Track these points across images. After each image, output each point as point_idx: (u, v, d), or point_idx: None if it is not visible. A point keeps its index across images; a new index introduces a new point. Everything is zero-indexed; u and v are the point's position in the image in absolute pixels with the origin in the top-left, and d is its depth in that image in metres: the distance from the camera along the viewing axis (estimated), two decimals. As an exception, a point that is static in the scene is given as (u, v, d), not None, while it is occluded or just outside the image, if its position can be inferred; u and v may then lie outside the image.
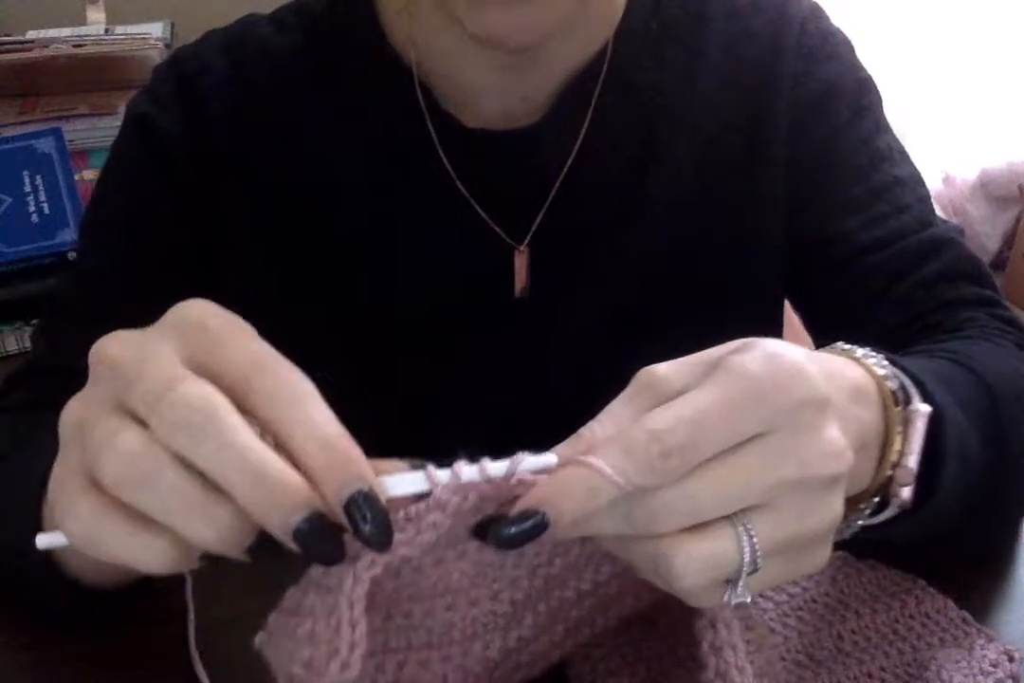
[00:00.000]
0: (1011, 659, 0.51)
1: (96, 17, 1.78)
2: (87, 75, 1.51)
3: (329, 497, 0.35)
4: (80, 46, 1.54)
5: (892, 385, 0.46)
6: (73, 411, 0.39)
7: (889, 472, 0.45)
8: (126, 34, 1.64)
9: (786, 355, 0.39)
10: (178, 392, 0.36)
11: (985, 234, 2.50)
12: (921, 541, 0.51)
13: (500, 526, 0.37)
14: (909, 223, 0.70)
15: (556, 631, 0.46)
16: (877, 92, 0.75)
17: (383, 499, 0.36)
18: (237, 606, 0.57)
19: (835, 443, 0.38)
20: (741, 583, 0.37)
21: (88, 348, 0.72)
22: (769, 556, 0.38)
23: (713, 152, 0.71)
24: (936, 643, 0.52)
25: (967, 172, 2.51)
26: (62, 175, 1.37)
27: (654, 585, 0.47)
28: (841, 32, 0.76)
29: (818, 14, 0.75)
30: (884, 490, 0.46)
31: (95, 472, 0.37)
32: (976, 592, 0.57)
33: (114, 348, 0.39)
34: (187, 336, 0.38)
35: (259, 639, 0.40)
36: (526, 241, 0.70)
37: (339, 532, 0.36)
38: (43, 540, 0.40)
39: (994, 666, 0.51)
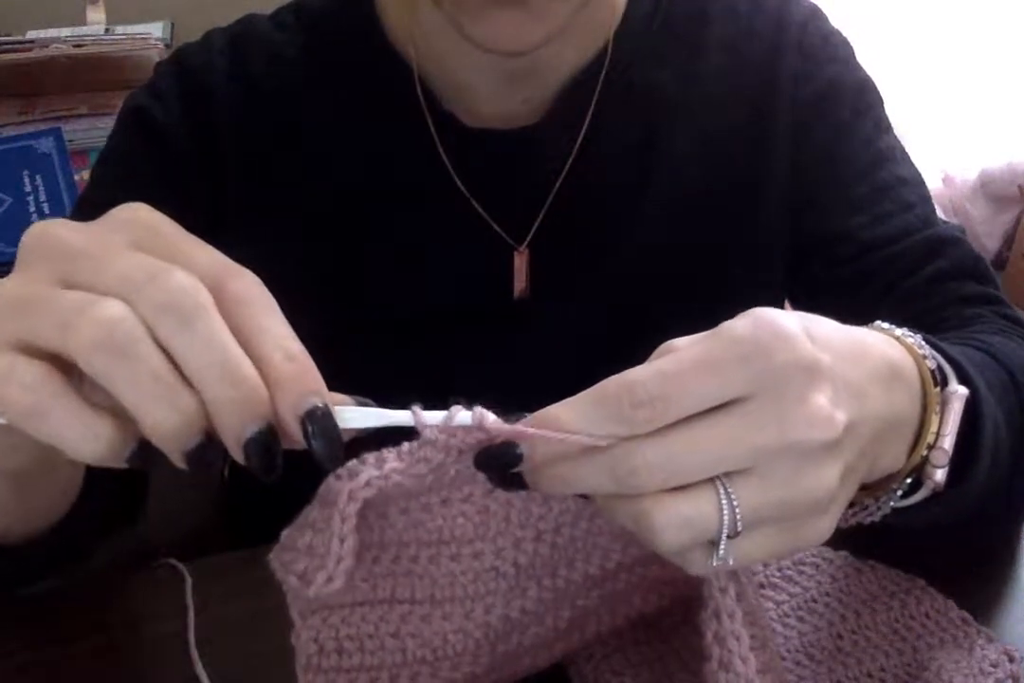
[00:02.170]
0: (1011, 659, 0.51)
1: (96, 17, 1.78)
2: (87, 75, 1.51)
3: (286, 407, 0.35)
4: (80, 46, 1.55)
5: (931, 365, 0.46)
6: (7, 289, 0.37)
7: (924, 453, 0.45)
8: (126, 34, 1.64)
9: (777, 320, 0.38)
10: (170, 276, 0.35)
11: (985, 234, 2.50)
12: (941, 527, 0.51)
13: (480, 451, 0.38)
14: (913, 221, 0.70)
15: (561, 616, 0.46)
16: (878, 92, 0.75)
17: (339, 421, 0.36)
18: (237, 606, 0.57)
19: (822, 409, 0.37)
20: (722, 546, 0.37)
21: None
22: (758, 524, 0.37)
23: (713, 152, 0.71)
24: (936, 643, 0.52)
25: (967, 172, 2.51)
26: (62, 175, 1.37)
27: (661, 589, 0.47)
28: (841, 33, 0.76)
29: (818, 15, 0.75)
30: (918, 471, 0.45)
31: (56, 338, 0.35)
32: (976, 592, 0.57)
33: (64, 231, 0.37)
34: (142, 237, 0.37)
35: (272, 554, 0.41)
36: (526, 242, 0.70)
37: (279, 451, 0.36)
38: None
39: (994, 666, 0.51)
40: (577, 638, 0.48)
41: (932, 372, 0.45)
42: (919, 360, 0.45)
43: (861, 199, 0.71)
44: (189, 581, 0.58)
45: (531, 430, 0.37)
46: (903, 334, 0.47)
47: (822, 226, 0.71)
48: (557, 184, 0.70)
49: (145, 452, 0.36)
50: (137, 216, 0.38)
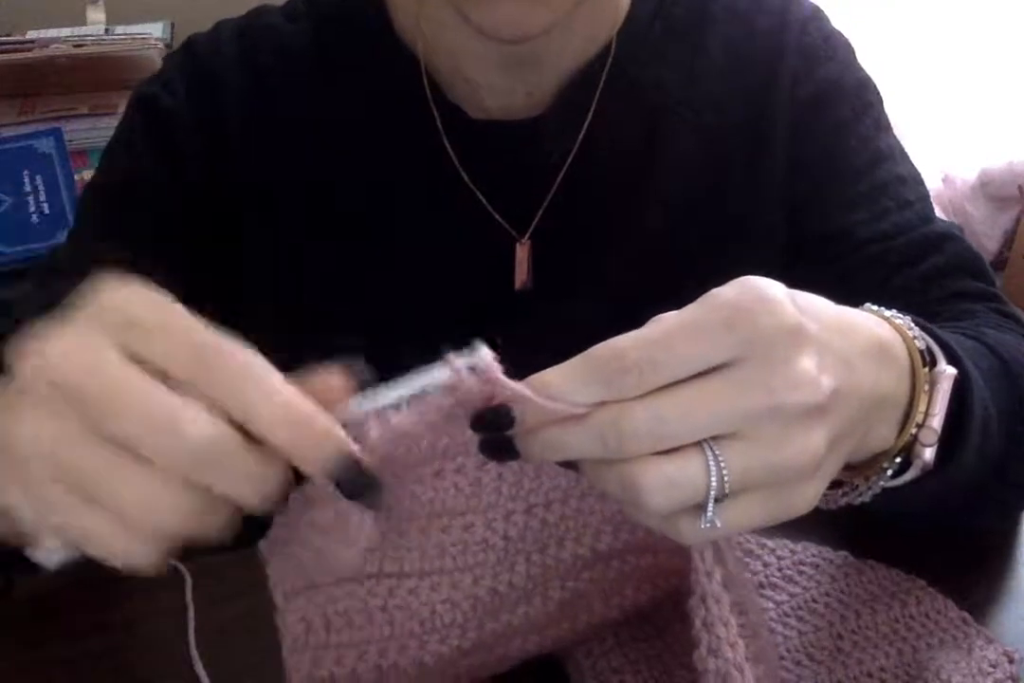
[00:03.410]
0: (1010, 660, 0.51)
1: (96, 17, 1.78)
2: (87, 75, 1.51)
3: (311, 470, 0.36)
4: (80, 46, 1.54)
5: (919, 345, 0.46)
6: (30, 433, 0.36)
7: (913, 431, 0.45)
8: (126, 34, 1.64)
9: (762, 286, 0.39)
10: (184, 429, 0.35)
11: (985, 234, 2.50)
12: (930, 511, 0.52)
13: (475, 415, 0.38)
14: (911, 218, 0.70)
15: (550, 597, 0.46)
16: (877, 92, 0.76)
17: (364, 462, 0.37)
18: (237, 606, 0.57)
19: (807, 372, 0.37)
20: (710, 508, 0.37)
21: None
22: (745, 489, 0.37)
23: (714, 149, 0.72)
24: (936, 643, 0.52)
25: (967, 172, 2.51)
26: (62, 175, 1.37)
27: (655, 580, 0.47)
28: (841, 34, 0.77)
29: (819, 16, 0.76)
30: (907, 451, 0.46)
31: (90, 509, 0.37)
32: (976, 592, 0.57)
33: (51, 369, 0.36)
34: (125, 338, 0.36)
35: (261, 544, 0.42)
36: (528, 233, 0.70)
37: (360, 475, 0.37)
38: (45, 555, 0.39)
39: (993, 666, 0.51)
40: (568, 627, 0.48)
41: (921, 352, 0.46)
42: (908, 340, 0.46)
43: (859, 196, 0.71)
44: (189, 581, 0.58)
45: (529, 393, 0.37)
46: (892, 315, 0.47)
47: (820, 223, 0.72)
48: (559, 177, 0.70)
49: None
50: (112, 305, 0.37)
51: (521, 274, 0.71)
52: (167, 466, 0.35)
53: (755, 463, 0.37)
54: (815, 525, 0.61)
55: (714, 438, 0.37)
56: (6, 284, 1.21)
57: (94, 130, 1.46)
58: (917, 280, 0.68)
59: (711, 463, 0.36)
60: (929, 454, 0.45)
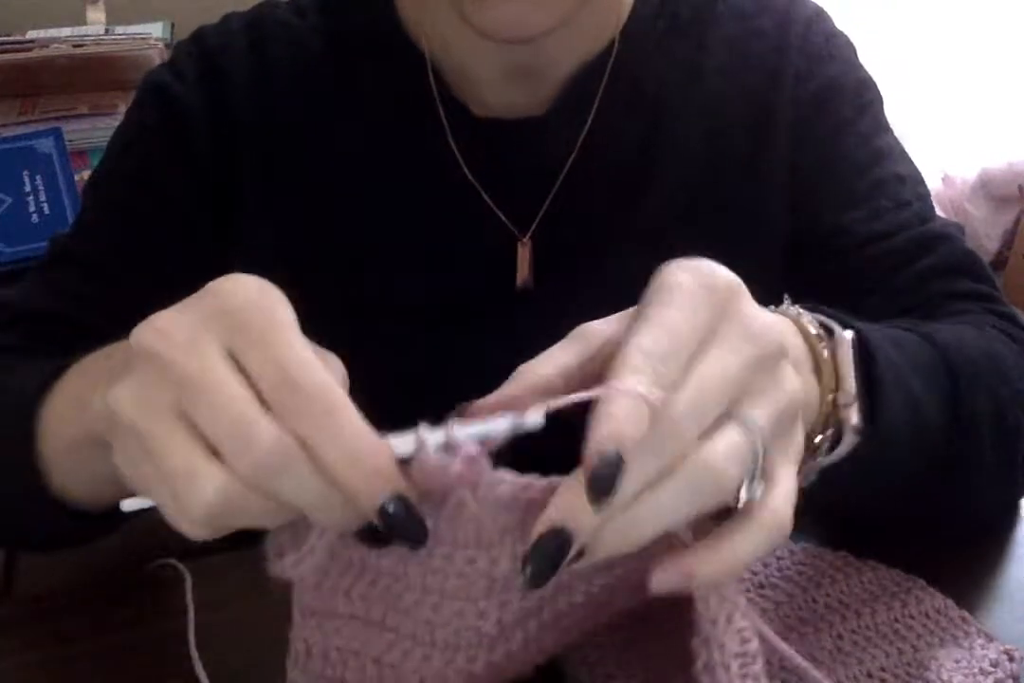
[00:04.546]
0: (1011, 659, 0.51)
1: (96, 17, 1.78)
2: (87, 75, 1.51)
3: (364, 510, 0.37)
4: (80, 46, 1.54)
5: (805, 320, 0.48)
6: (129, 405, 0.39)
7: (830, 398, 0.47)
8: (126, 34, 1.64)
9: (692, 260, 0.42)
10: (260, 438, 0.36)
11: (985, 234, 2.50)
12: (882, 489, 0.54)
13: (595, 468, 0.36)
14: (908, 218, 0.70)
15: (546, 640, 0.45)
16: (878, 93, 0.76)
17: (414, 498, 0.38)
18: (237, 606, 0.57)
19: (762, 317, 0.41)
20: (757, 471, 0.39)
21: (76, 302, 0.73)
22: (772, 440, 0.39)
23: (716, 147, 0.72)
24: (936, 643, 0.52)
25: (967, 172, 2.51)
26: (62, 175, 1.37)
27: (641, 592, 0.47)
28: (844, 34, 0.77)
29: (822, 16, 0.76)
30: (833, 421, 0.48)
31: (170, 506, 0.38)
32: (976, 592, 0.57)
33: (163, 345, 0.38)
34: (228, 333, 0.38)
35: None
36: (530, 232, 0.70)
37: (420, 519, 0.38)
38: (130, 505, 0.40)
39: (994, 666, 0.51)
40: (561, 646, 0.47)
41: (817, 336, 0.48)
42: (794, 319, 0.48)
43: (857, 195, 0.71)
44: (189, 581, 0.58)
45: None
46: (777, 309, 0.49)
47: (818, 221, 0.72)
48: (561, 175, 0.70)
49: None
50: (231, 305, 0.39)
51: (522, 273, 0.71)
52: (236, 467, 0.37)
53: (771, 411, 0.39)
54: (815, 525, 0.61)
55: (733, 404, 0.39)
56: (6, 284, 1.21)
57: (94, 130, 1.46)
58: (911, 281, 0.69)
59: (743, 424, 0.38)
60: (854, 414, 0.48)
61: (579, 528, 0.37)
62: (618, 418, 0.36)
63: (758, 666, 0.41)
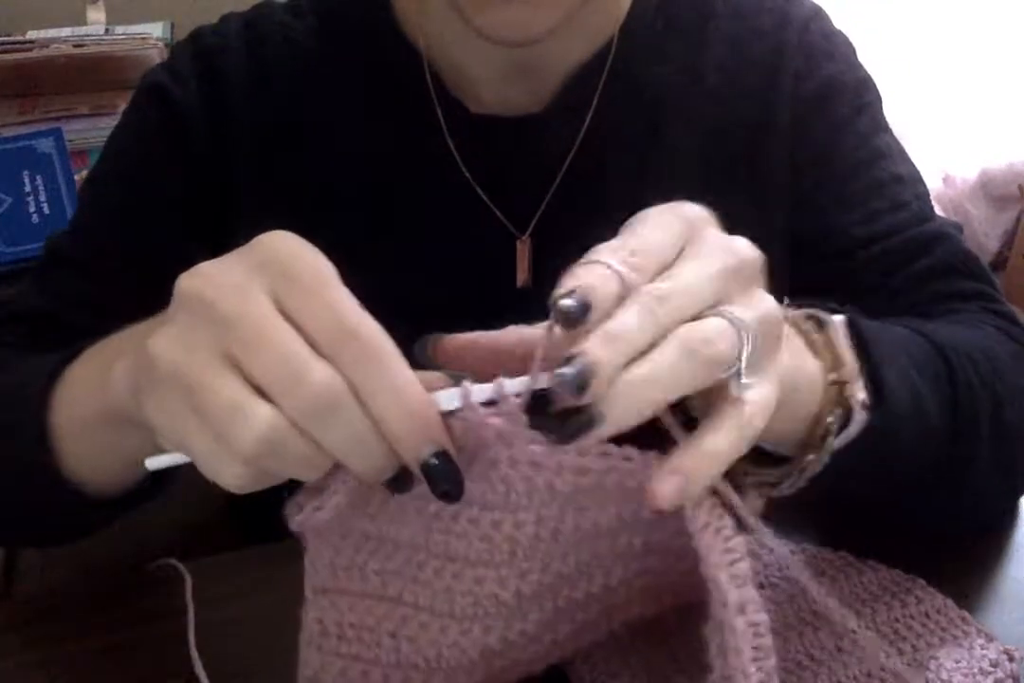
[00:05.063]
0: (1011, 659, 0.51)
1: (96, 17, 1.78)
2: (87, 75, 1.51)
3: (409, 461, 0.38)
4: (80, 46, 1.54)
5: (793, 312, 0.49)
6: (169, 349, 0.39)
7: (832, 377, 0.48)
8: (126, 34, 1.64)
9: (674, 201, 0.44)
10: (311, 378, 0.37)
11: (985, 234, 2.50)
12: (890, 482, 0.55)
13: (558, 368, 0.37)
14: (907, 218, 0.70)
15: (560, 630, 0.45)
16: (877, 93, 0.76)
17: (453, 453, 0.38)
18: (237, 606, 0.57)
19: (736, 238, 0.43)
20: (743, 362, 0.39)
21: (72, 302, 0.73)
22: (756, 336, 0.40)
23: (715, 147, 0.72)
24: (936, 643, 0.52)
25: (967, 172, 2.51)
26: (62, 175, 1.37)
27: (660, 596, 0.47)
28: (843, 33, 0.77)
29: (821, 15, 0.76)
30: (841, 401, 0.48)
31: (217, 443, 0.38)
32: (976, 592, 0.57)
33: (211, 290, 0.39)
34: (276, 281, 0.39)
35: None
36: (529, 231, 0.70)
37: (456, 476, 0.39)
38: (154, 462, 0.41)
39: (994, 666, 0.51)
40: (572, 647, 0.48)
41: (808, 321, 0.49)
42: (794, 322, 0.48)
43: (855, 195, 0.71)
44: (189, 581, 0.58)
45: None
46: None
47: (816, 221, 0.72)
48: (560, 173, 0.70)
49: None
50: (277, 256, 0.40)
51: (522, 272, 0.71)
52: (285, 405, 0.37)
53: (755, 315, 0.40)
54: (815, 525, 0.61)
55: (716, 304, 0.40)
56: (6, 284, 1.21)
57: (94, 130, 1.46)
58: (909, 281, 0.69)
59: (727, 317, 0.39)
60: (859, 390, 0.48)
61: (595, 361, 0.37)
62: (580, 275, 0.39)
63: (772, 661, 0.41)
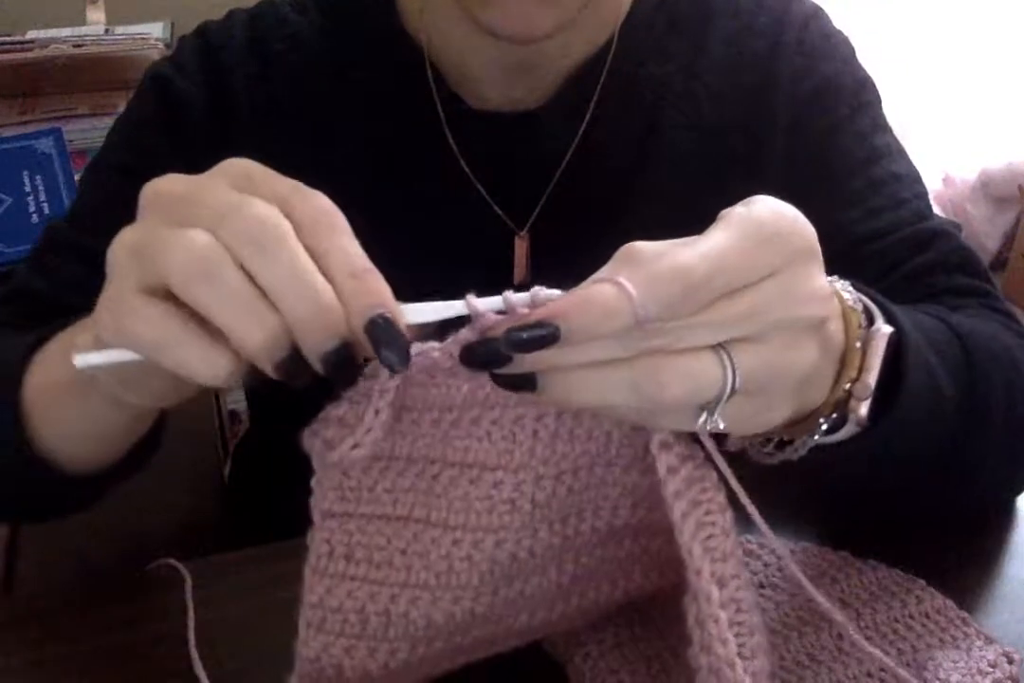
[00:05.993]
0: (1010, 660, 0.51)
1: (96, 17, 1.78)
2: (87, 75, 1.51)
3: (354, 321, 0.38)
4: (80, 46, 1.54)
5: (850, 301, 0.47)
6: (125, 238, 0.41)
7: (847, 386, 0.46)
8: (126, 34, 1.64)
9: (786, 208, 0.42)
10: (250, 208, 0.38)
11: (985, 234, 2.50)
12: (874, 477, 0.54)
13: (513, 330, 0.38)
14: (905, 216, 0.70)
15: (564, 570, 0.46)
16: (876, 92, 0.76)
17: (403, 325, 0.38)
18: (237, 606, 0.57)
19: (825, 288, 0.41)
20: (719, 408, 0.39)
21: (69, 285, 0.72)
22: (745, 392, 0.39)
23: (714, 144, 0.72)
24: (936, 643, 0.52)
25: (967, 172, 2.51)
26: (62, 175, 1.37)
27: (663, 567, 0.47)
28: (842, 33, 0.77)
29: (820, 15, 0.76)
30: (842, 407, 0.47)
31: (161, 273, 0.39)
32: (976, 593, 0.57)
33: (166, 184, 0.42)
34: (237, 180, 0.41)
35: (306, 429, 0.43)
36: (527, 227, 0.71)
37: (359, 365, 0.39)
38: (82, 359, 0.41)
39: (992, 666, 0.51)
40: (576, 604, 0.48)
41: (859, 312, 0.47)
42: (839, 296, 0.47)
43: (854, 194, 0.71)
44: (189, 581, 0.58)
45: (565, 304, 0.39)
46: (831, 279, 0.48)
47: (816, 220, 0.72)
48: (559, 170, 0.71)
49: (255, 372, 0.39)
50: (232, 164, 0.43)
51: (520, 267, 0.71)
52: (221, 233, 0.38)
53: (762, 364, 0.39)
54: (815, 525, 0.61)
55: (727, 341, 0.39)
56: (6, 284, 1.21)
57: (94, 130, 1.46)
58: (908, 278, 0.69)
59: (726, 362, 0.38)
60: (863, 409, 0.47)
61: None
62: (583, 303, 0.39)
63: (756, 639, 0.41)
